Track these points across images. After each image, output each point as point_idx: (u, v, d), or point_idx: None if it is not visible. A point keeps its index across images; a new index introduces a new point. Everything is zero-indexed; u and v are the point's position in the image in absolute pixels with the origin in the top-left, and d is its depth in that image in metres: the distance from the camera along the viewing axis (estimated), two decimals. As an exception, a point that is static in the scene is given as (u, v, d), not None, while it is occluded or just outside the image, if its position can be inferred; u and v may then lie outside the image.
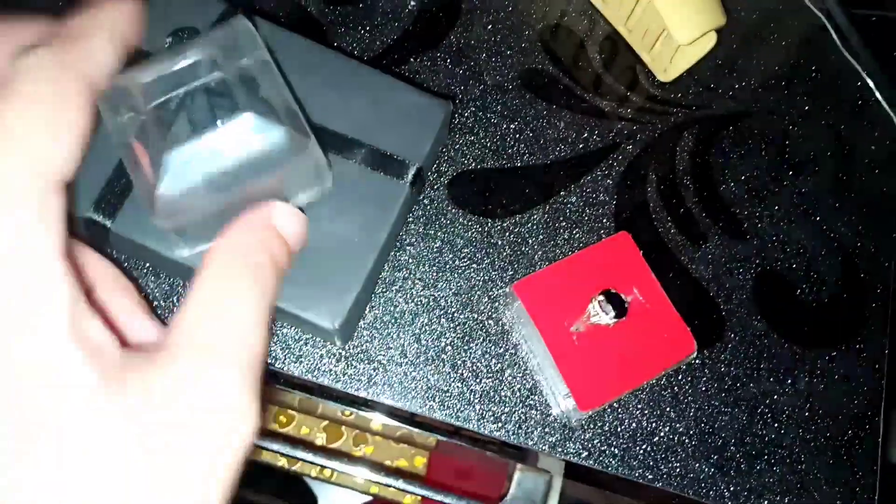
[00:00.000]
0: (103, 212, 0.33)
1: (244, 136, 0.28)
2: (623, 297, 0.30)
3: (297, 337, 0.37)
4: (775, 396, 0.40)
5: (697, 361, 0.39)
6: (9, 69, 0.19)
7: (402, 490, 0.53)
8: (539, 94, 0.44)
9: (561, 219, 0.41)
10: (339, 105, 0.36)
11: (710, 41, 0.44)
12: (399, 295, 0.39)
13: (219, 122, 0.28)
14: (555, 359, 0.28)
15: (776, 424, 0.39)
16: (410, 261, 0.39)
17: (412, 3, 0.45)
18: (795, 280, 0.42)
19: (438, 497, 0.51)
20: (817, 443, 0.39)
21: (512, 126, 0.43)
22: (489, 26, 0.45)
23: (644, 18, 0.43)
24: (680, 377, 0.39)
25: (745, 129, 0.45)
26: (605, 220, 0.42)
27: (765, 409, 0.39)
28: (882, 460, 0.39)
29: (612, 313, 0.29)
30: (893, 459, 0.57)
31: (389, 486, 0.53)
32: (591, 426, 0.37)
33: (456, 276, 0.39)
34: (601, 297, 0.29)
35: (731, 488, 0.38)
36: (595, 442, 0.37)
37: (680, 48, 0.43)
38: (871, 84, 0.47)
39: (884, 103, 0.46)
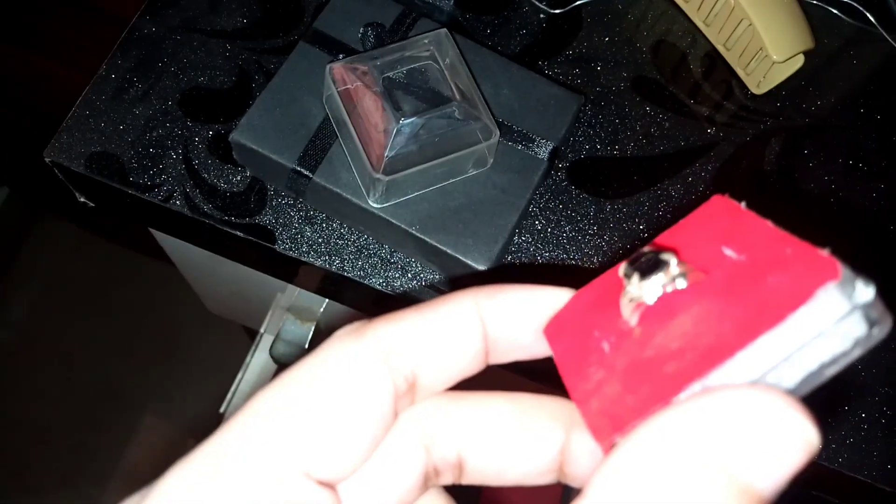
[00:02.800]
0: (307, 165, 0.41)
1: (453, 122, 0.36)
2: (663, 254, 0.18)
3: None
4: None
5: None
6: None
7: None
8: (647, 98, 0.51)
9: (664, 202, 0.48)
10: (493, 93, 0.44)
11: (799, 62, 0.51)
12: (522, 254, 0.46)
13: (436, 107, 0.37)
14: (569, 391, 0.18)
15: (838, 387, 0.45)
16: (538, 225, 0.47)
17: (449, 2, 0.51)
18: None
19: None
20: (866, 413, 0.45)
21: (623, 123, 0.50)
22: (605, 38, 0.53)
23: (743, 39, 0.50)
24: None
25: (824, 139, 0.52)
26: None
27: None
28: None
29: (636, 276, 0.17)
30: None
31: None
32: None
33: (572, 244, 0.47)
34: (625, 265, 0.18)
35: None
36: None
37: (773, 65, 0.50)
38: (940, 107, 0.53)
39: (950, 125, 0.52)
